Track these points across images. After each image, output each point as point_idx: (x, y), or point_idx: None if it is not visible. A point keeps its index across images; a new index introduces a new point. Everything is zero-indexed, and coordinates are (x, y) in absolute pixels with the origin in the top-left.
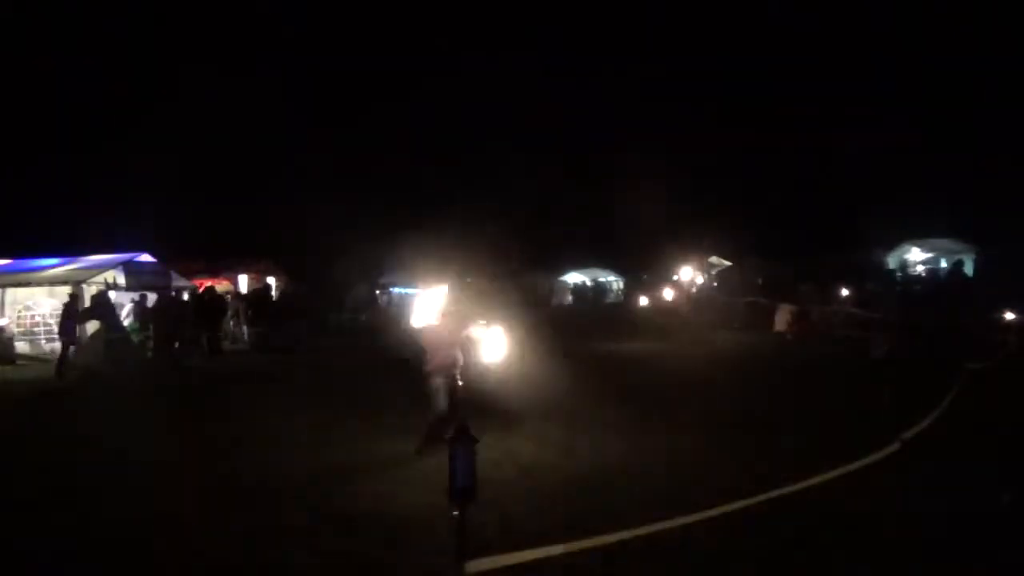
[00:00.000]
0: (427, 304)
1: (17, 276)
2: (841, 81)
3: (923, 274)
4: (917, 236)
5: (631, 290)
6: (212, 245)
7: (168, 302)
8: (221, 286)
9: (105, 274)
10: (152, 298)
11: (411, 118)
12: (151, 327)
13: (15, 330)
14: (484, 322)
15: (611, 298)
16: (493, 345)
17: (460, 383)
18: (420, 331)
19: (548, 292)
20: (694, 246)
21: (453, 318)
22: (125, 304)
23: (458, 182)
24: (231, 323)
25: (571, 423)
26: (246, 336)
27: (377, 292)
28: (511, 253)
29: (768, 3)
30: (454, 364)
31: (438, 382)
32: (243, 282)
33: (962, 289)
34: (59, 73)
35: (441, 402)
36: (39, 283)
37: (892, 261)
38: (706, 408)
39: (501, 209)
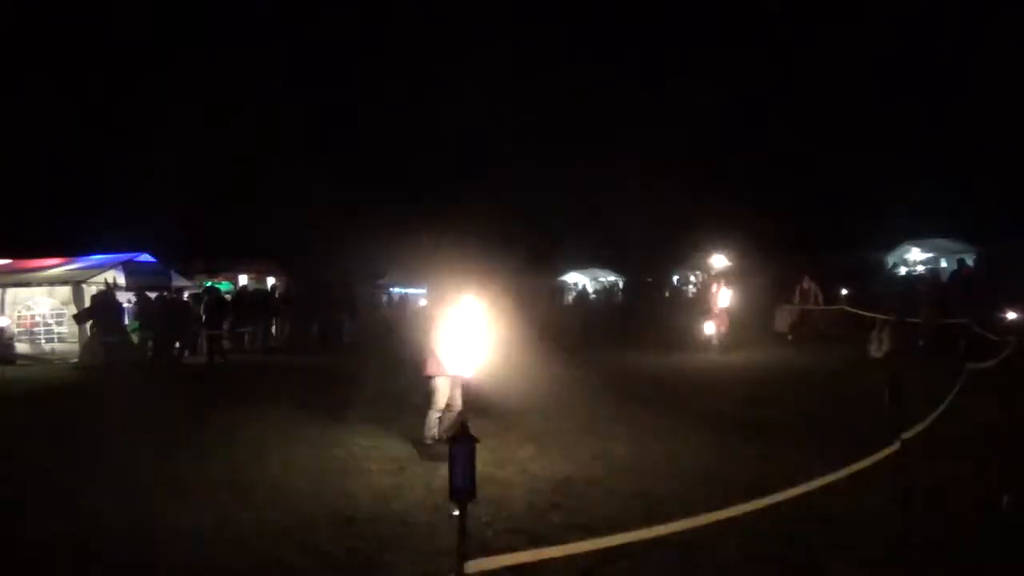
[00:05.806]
0: (428, 304)
1: (17, 276)
2: (841, 80)
3: (924, 274)
4: (917, 236)
5: (634, 291)
6: (212, 245)
7: (169, 302)
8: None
9: (105, 274)
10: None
11: (410, 117)
12: (151, 327)
13: (15, 330)
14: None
15: (612, 299)
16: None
17: (462, 383)
18: (423, 328)
19: (548, 292)
20: (694, 246)
21: (453, 314)
22: (123, 304)
23: (457, 181)
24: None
25: (572, 423)
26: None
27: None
28: (510, 253)
29: (769, 2)
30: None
31: (438, 380)
32: (243, 282)
33: (963, 289)
34: (59, 72)
35: (439, 399)
36: (39, 283)
37: (892, 261)
38: (706, 409)
39: (501, 208)
